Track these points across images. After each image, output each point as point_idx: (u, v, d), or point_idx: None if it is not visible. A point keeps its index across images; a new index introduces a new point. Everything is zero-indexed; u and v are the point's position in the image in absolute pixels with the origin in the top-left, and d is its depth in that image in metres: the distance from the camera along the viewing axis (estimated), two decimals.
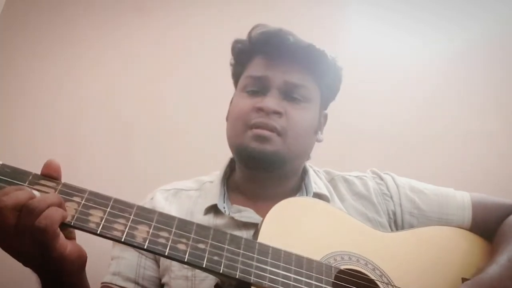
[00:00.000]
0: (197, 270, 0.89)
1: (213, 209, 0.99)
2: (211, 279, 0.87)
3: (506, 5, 1.86)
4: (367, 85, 1.80)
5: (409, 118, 1.77)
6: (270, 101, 0.97)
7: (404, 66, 1.85)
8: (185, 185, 1.08)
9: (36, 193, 0.68)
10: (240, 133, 0.98)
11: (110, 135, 1.82)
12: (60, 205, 0.68)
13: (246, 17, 1.86)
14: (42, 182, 0.71)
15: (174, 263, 0.92)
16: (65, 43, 1.96)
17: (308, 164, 1.09)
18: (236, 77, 1.09)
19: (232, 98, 1.08)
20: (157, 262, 0.98)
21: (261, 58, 1.03)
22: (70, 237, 0.72)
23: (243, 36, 1.06)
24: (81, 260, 0.72)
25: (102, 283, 0.98)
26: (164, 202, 1.02)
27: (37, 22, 2.00)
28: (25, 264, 0.70)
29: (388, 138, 1.74)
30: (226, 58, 1.15)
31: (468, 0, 1.88)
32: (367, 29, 1.89)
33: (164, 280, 0.95)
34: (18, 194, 0.66)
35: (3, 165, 0.71)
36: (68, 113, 1.87)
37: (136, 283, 0.95)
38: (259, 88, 1.00)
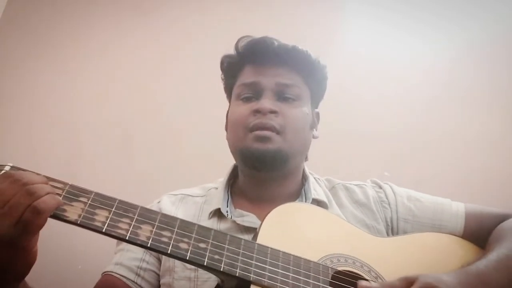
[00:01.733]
0: (200, 272, 0.93)
1: (217, 213, 1.02)
2: (214, 281, 0.90)
3: (506, 5, 1.86)
4: (366, 85, 1.81)
5: (409, 119, 1.78)
6: (265, 102, 1.01)
7: (404, 66, 1.85)
8: (192, 192, 1.12)
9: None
10: (241, 137, 1.02)
11: (109, 137, 1.83)
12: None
13: (246, 17, 1.88)
14: (50, 183, 0.74)
15: (177, 263, 0.95)
16: (66, 44, 1.97)
17: (309, 171, 1.12)
18: (228, 90, 1.14)
19: (228, 110, 1.12)
20: (160, 261, 1.01)
21: (251, 67, 1.08)
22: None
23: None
24: (31, 265, 0.75)
25: (103, 273, 1.00)
26: (170, 206, 1.06)
27: (36, 25, 2.01)
28: None
29: (388, 138, 1.75)
30: None
31: (468, 0, 1.89)
32: (367, 29, 1.89)
33: (164, 280, 0.98)
34: (35, 176, 0.72)
35: (13, 167, 0.74)
36: (66, 115, 1.87)
37: (137, 274, 0.98)
38: (252, 93, 1.05)
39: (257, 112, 1.01)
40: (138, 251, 1.01)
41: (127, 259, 1.00)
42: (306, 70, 1.08)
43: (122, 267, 0.99)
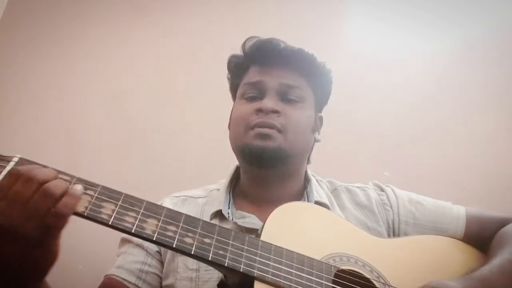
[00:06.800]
0: (201, 272, 0.94)
1: (219, 215, 1.03)
2: (215, 281, 0.91)
3: (506, 4, 1.87)
4: (366, 84, 1.83)
5: (409, 118, 1.78)
6: (268, 102, 1.03)
7: (403, 66, 1.86)
8: (194, 193, 1.13)
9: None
10: (242, 134, 1.03)
11: (113, 135, 1.83)
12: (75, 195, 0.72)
13: (250, 19, 1.90)
14: (59, 176, 0.74)
15: (180, 264, 0.97)
16: (68, 43, 1.98)
17: (311, 173, 1.13)
18: (234, 89, 1.16)
19: (232, 108, 1.14)
20: (162, 264, 1.02)
21: (256, 67, 1.10)
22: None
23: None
24: (53, 263, 0.75)
25: (105, 275, 1.01)
26: (172, 208, 1.06)
27: (40, 22, 2.02)
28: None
29: (388, 138, 1.75)
30: None
31: (468, 0, 1.91)
32: (367, 29, 1.91)
33: (167, 282, 0.99)
34: (46, 170, 0.71)
35: (21, 159, 0.75)
36: (70, 113, 1.88)
37: (138, 277, 0.99)
38: (256, 93, 1.07)
39: (259, 111, 1.02)
40: (140, 254, 1.02)
41: (129, 262, 1.01)
42: (311, 73, 1.09)
43: (123, 270, 0.99)
